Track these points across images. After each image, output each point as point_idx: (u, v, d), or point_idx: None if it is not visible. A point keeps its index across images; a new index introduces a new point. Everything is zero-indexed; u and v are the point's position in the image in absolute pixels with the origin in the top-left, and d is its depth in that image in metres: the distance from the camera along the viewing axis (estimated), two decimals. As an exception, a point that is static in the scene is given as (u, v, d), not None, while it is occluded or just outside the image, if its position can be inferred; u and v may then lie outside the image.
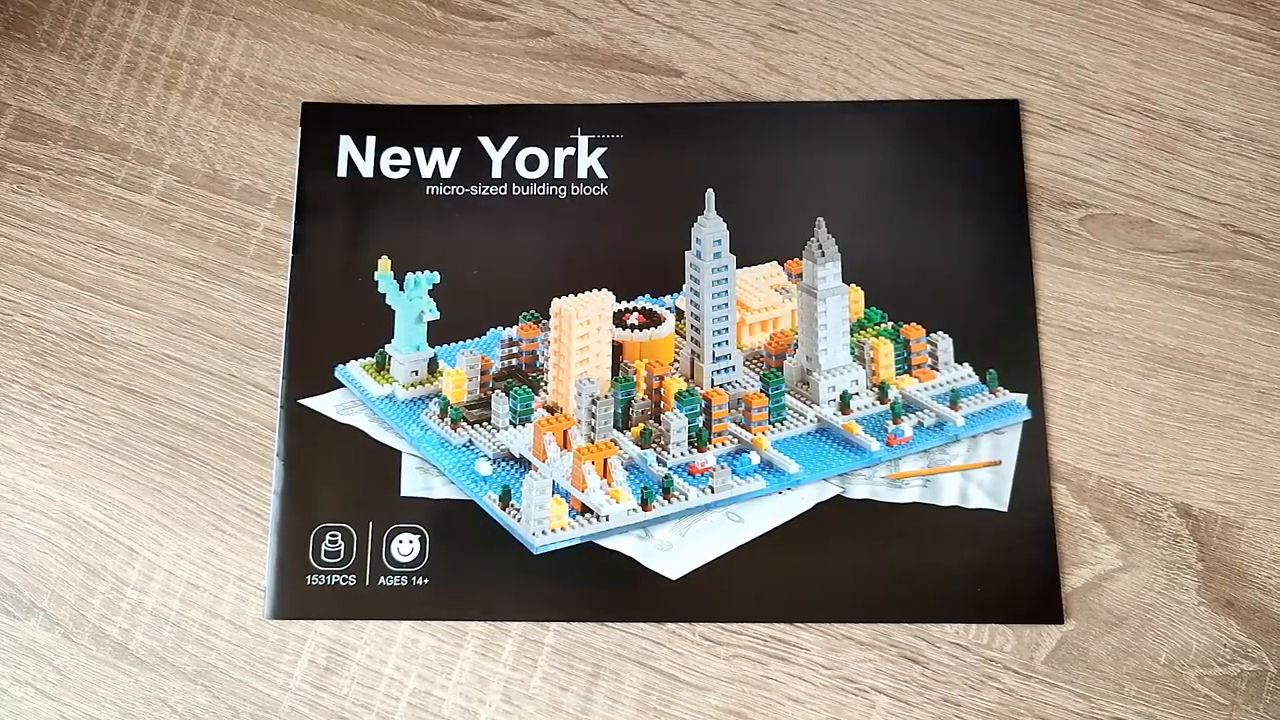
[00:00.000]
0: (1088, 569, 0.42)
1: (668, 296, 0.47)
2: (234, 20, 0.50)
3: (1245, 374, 0.45)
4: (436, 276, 0.46)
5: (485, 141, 0.48)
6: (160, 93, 0.49)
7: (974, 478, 0.43)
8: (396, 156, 0.48)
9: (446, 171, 0.47)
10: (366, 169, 0.47)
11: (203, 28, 0.50)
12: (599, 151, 0.48)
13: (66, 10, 0.50)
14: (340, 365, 0.45)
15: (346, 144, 0.48)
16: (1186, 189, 0.47)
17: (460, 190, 0.47)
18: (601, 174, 0.47)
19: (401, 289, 0.46)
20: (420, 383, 0.46)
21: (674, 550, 0.43)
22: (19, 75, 0.49)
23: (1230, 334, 0.45)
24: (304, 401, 0.44)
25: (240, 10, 0.50)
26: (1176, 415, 0.44)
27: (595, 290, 0.46)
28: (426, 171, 0.47)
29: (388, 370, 0.46)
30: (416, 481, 0.44)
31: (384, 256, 0.46)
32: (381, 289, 0.46)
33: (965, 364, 0.45)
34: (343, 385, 0.45)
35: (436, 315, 0.46)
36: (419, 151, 0.48)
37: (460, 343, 0.46)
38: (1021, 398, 0.44)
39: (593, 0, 0.50)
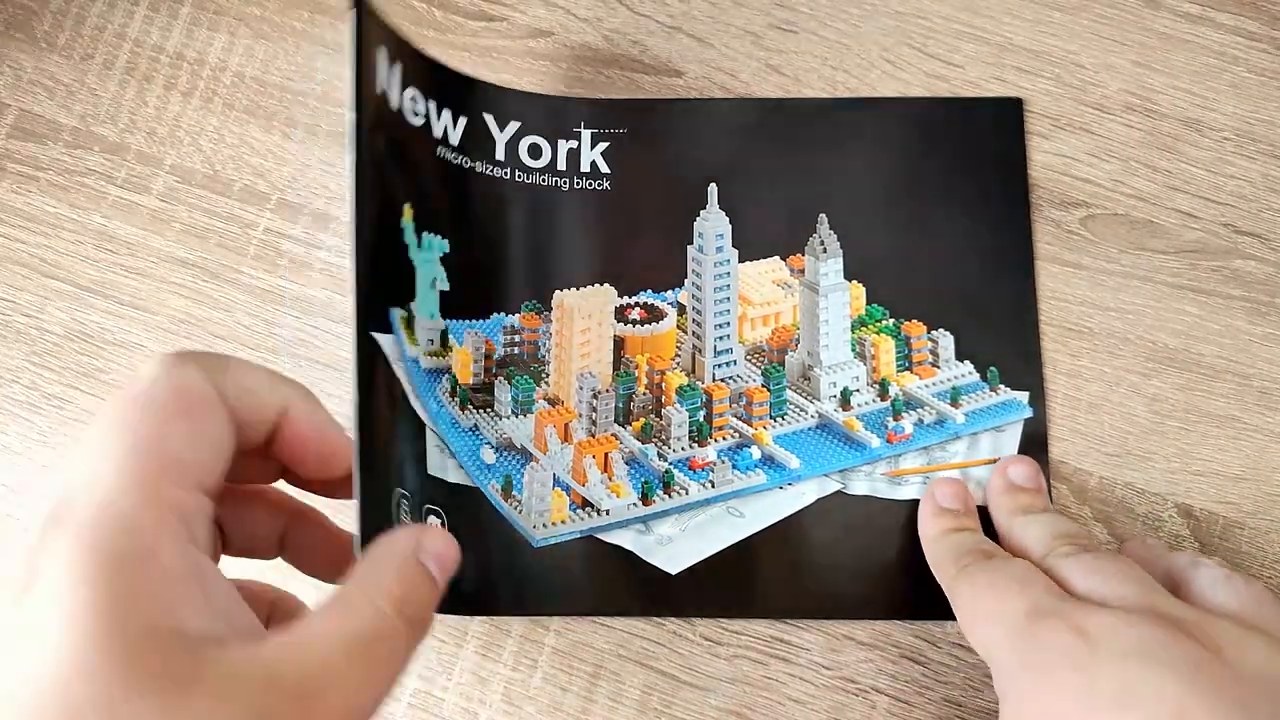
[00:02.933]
0: (1089, 569, 0.42)
1: (669, 291, 0.47)
2: (234, 20, 0.50)
3: (1246, 374, 0.45)
4: (447, 245, 0.44)
5: (490, 119, 0.47)
6: (160, 93, 0.49)
7: (974, 476, 0.43)
8: (415, 100, 0.43)
9: (455, 138, 0.46)
10: (394, 98, 0.42)
11: (203, 28, 0.50)
12: (602, 146, 0.47)
13: (66, 10, 0.50)
14: (391, 307, 0.41)
15: (382, 57, 0.41)
16: (1187, 189, 0.47)
17: (466, 163, 0.46)
18: (605, 169, 0.47)
19: (420, 246, 0.43)
20: (436, 353, 0.44)
21: (674, 545, 0.42)
22: (19, 75, 0.49)
23: (1231, 334, 0.45)
24: (375, 335, 0.39)
25: (240, 10, 0.50)
26: (1178, 415, 0.44)
27: (597, 285, 0.46)
28: (438, 130, 0.45)
29: (414, 331, 0.43)
30: (436, 461, 0.43)
31: (407, 204, 0.42)
32: (406, 239, 0.42)
33: (966, 361, 0.45)
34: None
35: (446, 286, 0.44)
36: (432, 105, 0.44)
37: (466, 321, 0.45)
38: (1023, 395, 0.44)
39: (593, 0, 0.50)
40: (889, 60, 0.49)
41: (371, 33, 0.39)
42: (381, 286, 0.40)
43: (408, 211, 0.42)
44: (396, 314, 0.42)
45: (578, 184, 0.47)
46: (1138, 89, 0.48)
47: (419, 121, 0.44)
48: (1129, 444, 0.44)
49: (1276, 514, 0.43)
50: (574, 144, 0.47)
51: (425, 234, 0.43)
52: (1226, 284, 0.46)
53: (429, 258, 0.44)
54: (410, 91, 0.43)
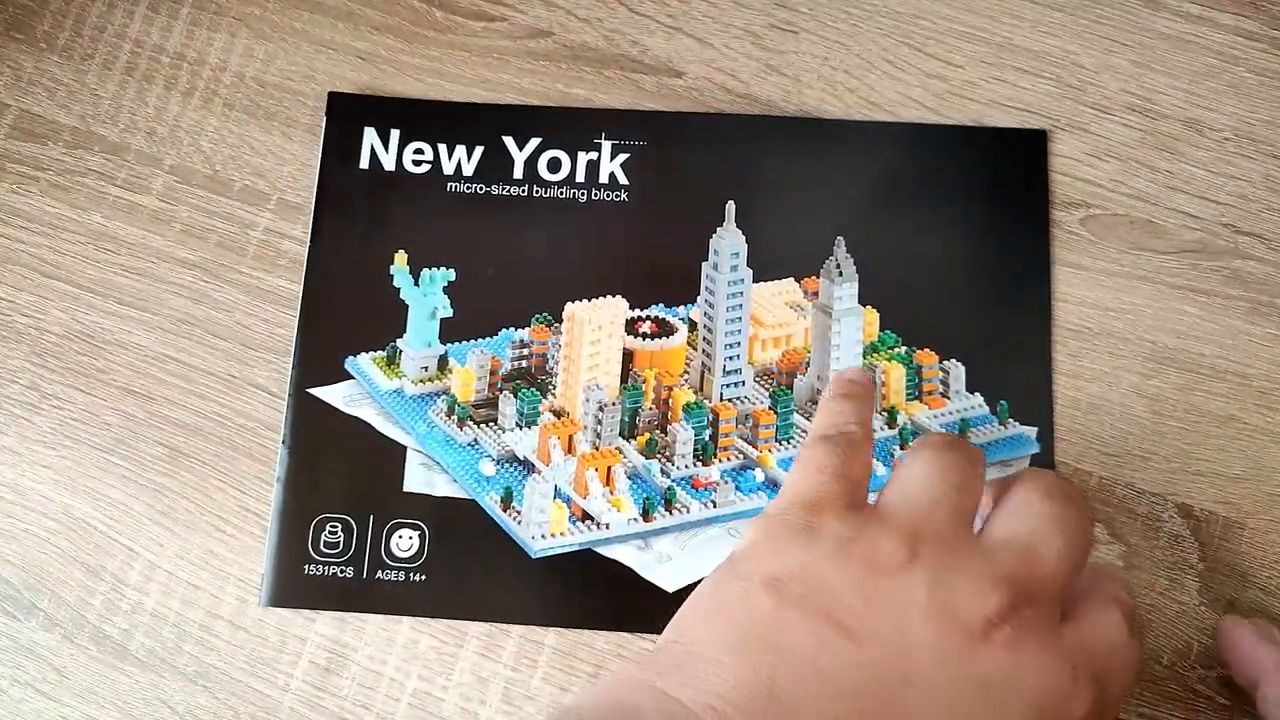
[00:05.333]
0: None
1: (681, 307, 0.46)
2: (234, 21, 0.50)
3: (1246, 374, 0.45)
4: (452, 274, 0.46)
5: (509, 141, 0.48)
6: (160, 93, 0.49)
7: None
8: (420, 151, 0.47)
9: (469, 169, 0.47)
10: (389, 162, 0.47)
11: (203, 28, 0.50)
12: (622, 157, 0.47)
13: (66, 10, 0.50)
14: (350, 357, 0.45)
15: (370, 135, 0.47)
16: (1187, 189, 0.47)
17: (481, 189, 0.47)
18: (623, 180, 0.47)
19: (417, 284, 0.45)
20: (429, 379, 0.46)
21: (673, 563, 0.42)
22: (19, 75, 0.49)
23: (1231, 334, 0.45)
24: (312, 391, 0.44)
25: (240, 11, 0.50)
26: (1178, 416, 0.44)
27: (609, 296, 0.46)
28: (449, 168, 0.47)
29: (398, 365, 0.45)
30: (419, 477, 0.44)
31: (400, 250, 0.46)
32: (396, 283, 0.45)
33: (977, 394, 0.45)
34: (352, 377, 0.45)
35: (449, 312, 0.45)
36: (442, 148, 0.47)
37: (472, 341, 0.46)
38: (1031, 430, 0.44)
39: (593, 0, 0.50)
40: (889, 60, 0.49)
41: (354, 119, 0.47)
42: (336, 342, 0.45)
43: (400, 258, 0.46)
44: (362, 358, 0.45)
45: (595, 195, 0.47)
46: (1138, 89, 0.48)
47: (424, 169, 0.47)
48: (1129, 444, 0.44)
49: (1276, 514, 0.43)
50: (594, 155, 0.47)
51: (425, 270, 0.45)
52: (1226, 284, 0.46)
53: (430, 291, 0.45)
54: (414, 145, 0.47)
